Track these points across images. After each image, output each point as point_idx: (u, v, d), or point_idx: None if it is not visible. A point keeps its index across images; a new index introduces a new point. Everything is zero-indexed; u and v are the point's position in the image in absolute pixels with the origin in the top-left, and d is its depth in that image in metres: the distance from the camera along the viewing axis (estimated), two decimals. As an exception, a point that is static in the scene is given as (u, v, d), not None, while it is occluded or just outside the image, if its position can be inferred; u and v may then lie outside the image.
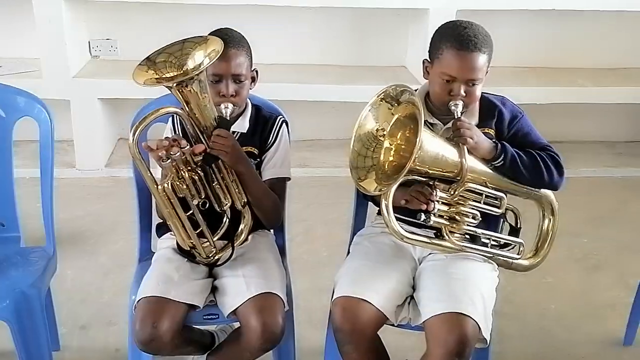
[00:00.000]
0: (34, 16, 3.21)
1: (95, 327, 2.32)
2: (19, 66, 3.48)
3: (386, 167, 1.65)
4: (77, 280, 2.58)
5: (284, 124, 1.88)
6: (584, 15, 3.73)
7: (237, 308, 1.66)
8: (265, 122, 1.86)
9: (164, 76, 1.60)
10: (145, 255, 1.96)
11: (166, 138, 1.65)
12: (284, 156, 1.86)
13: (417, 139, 1.51)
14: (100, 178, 3.50)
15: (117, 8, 3.59)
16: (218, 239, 1.75)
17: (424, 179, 1.66)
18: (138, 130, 1.57)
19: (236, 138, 1.75)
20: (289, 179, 1.89)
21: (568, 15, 3.74)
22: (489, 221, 1.80)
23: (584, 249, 2.98)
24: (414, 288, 1.76)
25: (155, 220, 1.92)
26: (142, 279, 1.74)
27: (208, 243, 1.74)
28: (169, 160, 1.59)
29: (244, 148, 1.75)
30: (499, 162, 1.72)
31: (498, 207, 1.76)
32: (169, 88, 1.62)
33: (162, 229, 1.90)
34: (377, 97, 1.65)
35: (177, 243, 1.75)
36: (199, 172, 1.65)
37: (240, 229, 1.76)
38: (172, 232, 1.76)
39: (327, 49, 3.83)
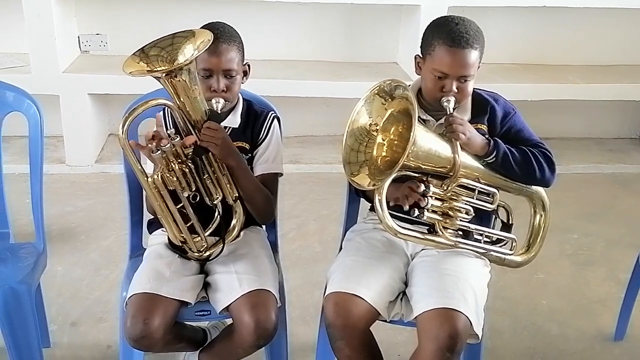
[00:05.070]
0: (23, 11, 3.18)
1: (86, 323, 2.30)
2: (7, 61, 3.45)
3: (379, 162, 1.65)
4: (67, 276, 2.56)
5: (275, 120, 1.87)
6: (574, 12, 3.75)
7: (230, 304, 1.65)
8: (256, 117, 1.85)
9: (154, 69, 1.58)
10: (137, 251, 1.94)
11: (154, 131, 1.63)
12: (276, 151, 1.86)
13: (411, 134, 1.51)
14: (90, 174, 3.48)
15: (106, 3, 3.57)
16: (209, 235, 1.74)
17: (417, 175, 1.66)
18: (128, 121, 1.56)
19: (228, 133, 1.74)
20: (281, 174, 1.89)
21: (559, 12, 3.75)
22: (482, 218, 1.80)
23: (575, 245, 2.99)
24: (406, 284, 1.76)
25: (147, 216, 1.91)
26: (133, 275, 1.72)
27: (199, 238, 1.73)
28: (159, 152, 1.58)
29: (235, 143, 1.74)
30: (491, 159, 1.72)
31: (491, 203, 1.76)
32: (158, 79, 1.60)
33: (154, 225, 1.89)
34: (371, 92, 1.64)
35: (169, 238, 1.74)
36: (190, 164, 1.64)
37: (232, 224, 1.75)
38: (163, 229, 1.76)
39: (319, 45, 3.82)
